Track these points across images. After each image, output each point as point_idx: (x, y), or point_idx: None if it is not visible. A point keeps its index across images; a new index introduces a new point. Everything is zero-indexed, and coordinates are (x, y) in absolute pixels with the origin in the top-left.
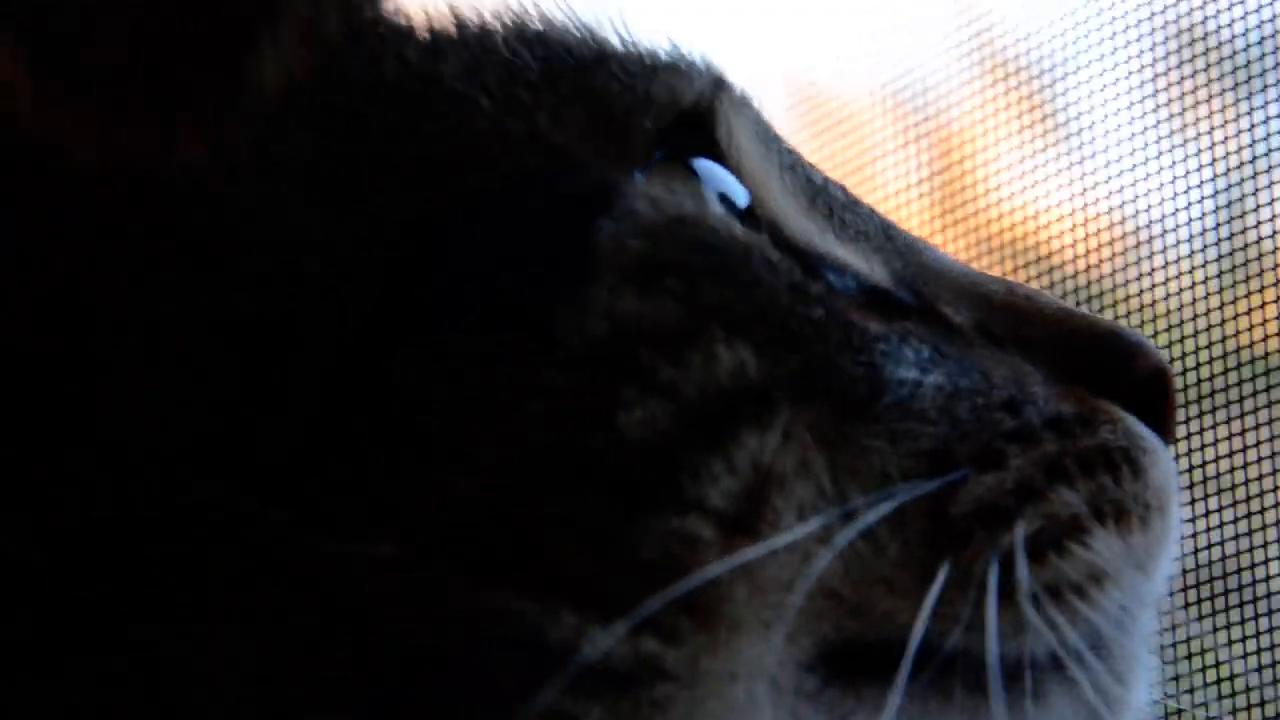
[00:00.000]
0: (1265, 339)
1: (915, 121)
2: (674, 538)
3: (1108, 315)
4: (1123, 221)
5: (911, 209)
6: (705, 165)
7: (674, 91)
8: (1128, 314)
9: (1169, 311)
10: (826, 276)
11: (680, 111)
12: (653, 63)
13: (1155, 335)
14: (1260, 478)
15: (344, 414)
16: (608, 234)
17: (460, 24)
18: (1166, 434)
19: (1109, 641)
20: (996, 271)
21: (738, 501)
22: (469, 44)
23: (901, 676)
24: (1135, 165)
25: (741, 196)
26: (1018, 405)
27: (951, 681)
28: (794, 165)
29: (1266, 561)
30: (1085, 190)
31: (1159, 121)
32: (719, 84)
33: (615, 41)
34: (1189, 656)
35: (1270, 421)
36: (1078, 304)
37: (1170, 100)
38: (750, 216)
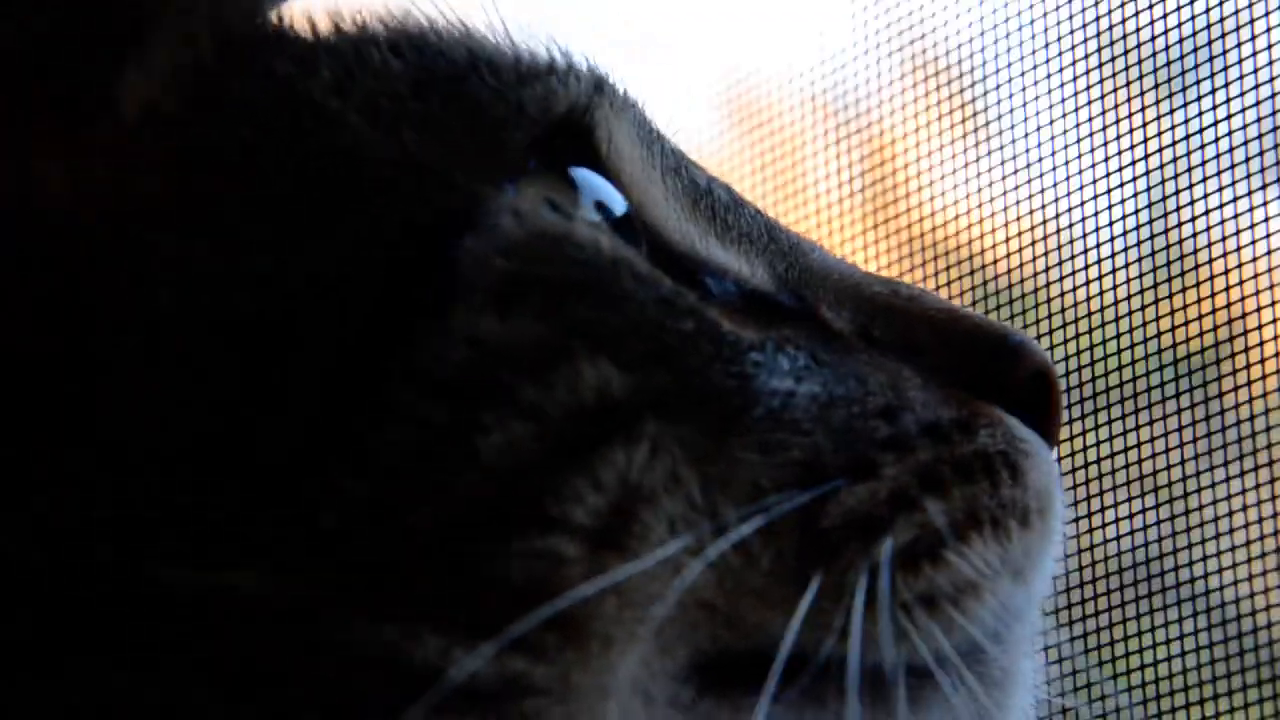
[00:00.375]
0: (1191, 337)
1: (844, 122)
2: (539, 557)
3: (1036, 313)
4: (1049, 221)
5: (841, 208)
6: (583, 174)
7: (548, 99)
8: (1055, 313)
9: (1096, 310)
10: (704, 284)
11: (556, 119)
12: (529, 68)
13: (1081, 333)
14: (1186, 474)
15: (213, 445)
16: (471, 253)
17: (339, 32)
18: (1050, 436)
19: (984, 650)
20: (926, 271)
21: (604, 518)
22: (343, 54)
23: (769, 686)
24: (1062, 166)
25: (619, 205)
26: (894, 412)
27: (826, 689)
28: (677, 168)
29: (1197, 556)
30: (1012, 190)
31: (1085, 122)
32: (598, 87)
33: (492, 46)
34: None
35: (1197, 418)
36: (1006, 304)
37: (1096, 101)
38: (628, 225)
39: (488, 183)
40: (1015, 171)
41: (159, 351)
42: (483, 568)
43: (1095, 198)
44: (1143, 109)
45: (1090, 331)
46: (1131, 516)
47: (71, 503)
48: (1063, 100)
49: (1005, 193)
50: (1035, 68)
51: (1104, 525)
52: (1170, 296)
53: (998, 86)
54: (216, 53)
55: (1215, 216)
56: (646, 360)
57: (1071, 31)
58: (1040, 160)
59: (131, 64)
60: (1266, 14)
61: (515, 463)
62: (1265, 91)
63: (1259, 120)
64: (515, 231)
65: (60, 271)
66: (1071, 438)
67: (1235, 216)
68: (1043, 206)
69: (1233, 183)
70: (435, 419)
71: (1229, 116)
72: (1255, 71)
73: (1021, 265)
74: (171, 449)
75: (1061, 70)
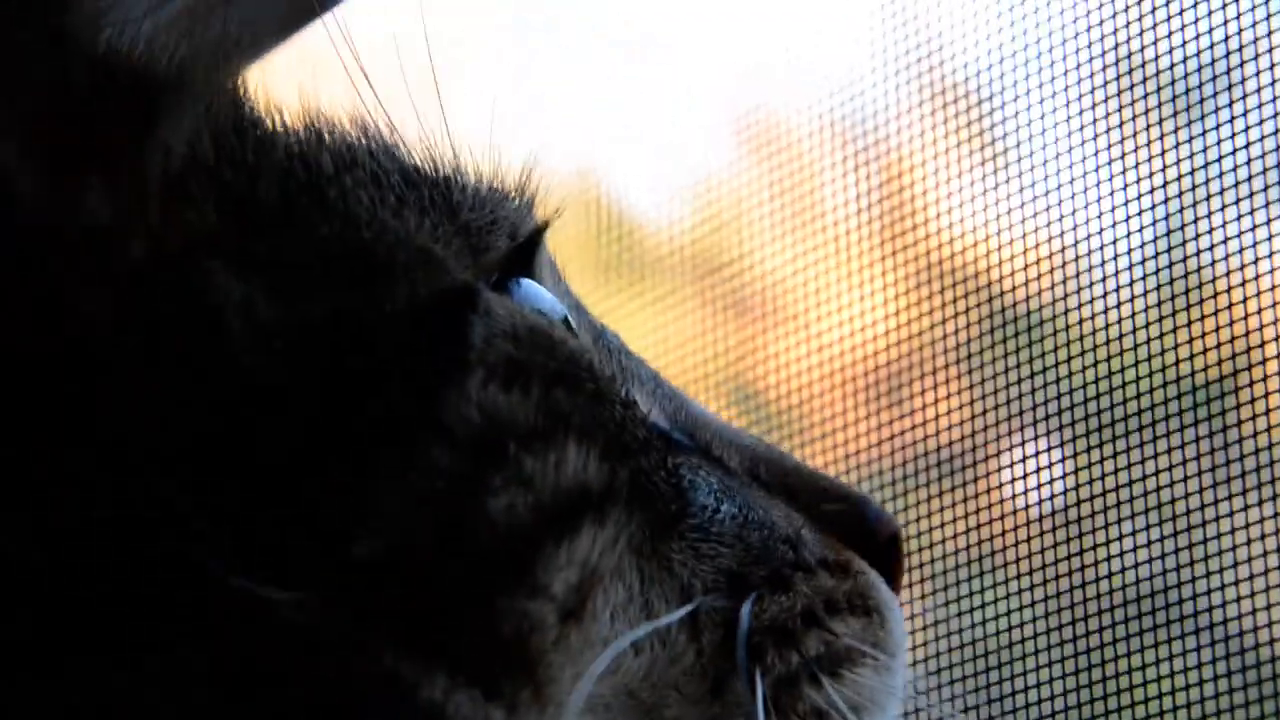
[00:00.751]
0: (1209, 365)
1: (859, 147)
2: (525, 617)
3: (1054, 340)
4: (1065, 247)
5: (859, 234)
6: (526, 284)
7: (519, 218)
8: (1071, 340)
9: (1115, 338)
10: None
11: (525, 235)
12: (501, 189)
13: (1098, 360)
14: (1199, 503)
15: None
16: (478, 331)
17: (320, 126)
18: (896, 593)
19: None
20: (944, 298)
21: (572, 593)
22: (336, 143)
23: None
24: (1077, 192)
25: (557, 314)
26: (796, 542)
27: None
28: (578, 305)
29: (1219, 586)
30: (1027, 217)
31: (1101, 149)
32: (546, 221)
33: (458, 164)
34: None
35: (1215, 446)
36: (1024, 330)
37: (1112, 126)
38: None
39: (476, 278)
40: (1035, 198)
41: (175, 357)
42: (482, 618)
43: (1112, 223)
44: (1162, 137)
45: (1110, 359)
46: (1150, 545)
47: (71, 503)
48: (1081, 128)
49: (1025, 219)
50: (1055, 95)
51: (1122, 554)
52: (1190, 324)
53: (1016, 114)
54: (231, 126)
55: (1233, 244)
56: (614, 455)
57: (1091, 59)
58: (1060, 187)
59: (172, 116)
60: None
61: (516, 524)
62: None
63: (1278, 148)
64: (510, 321)
65: (75, 281)
66: (1089, 465)
67: (1255, 245)
68: (1062, 234)
69: (1251, 211)
70: (456, 473)
71: (1248, 145)
72: (1275, 100)
73: (1042, 293)
74: (172, 450)
75: (1081, 98)
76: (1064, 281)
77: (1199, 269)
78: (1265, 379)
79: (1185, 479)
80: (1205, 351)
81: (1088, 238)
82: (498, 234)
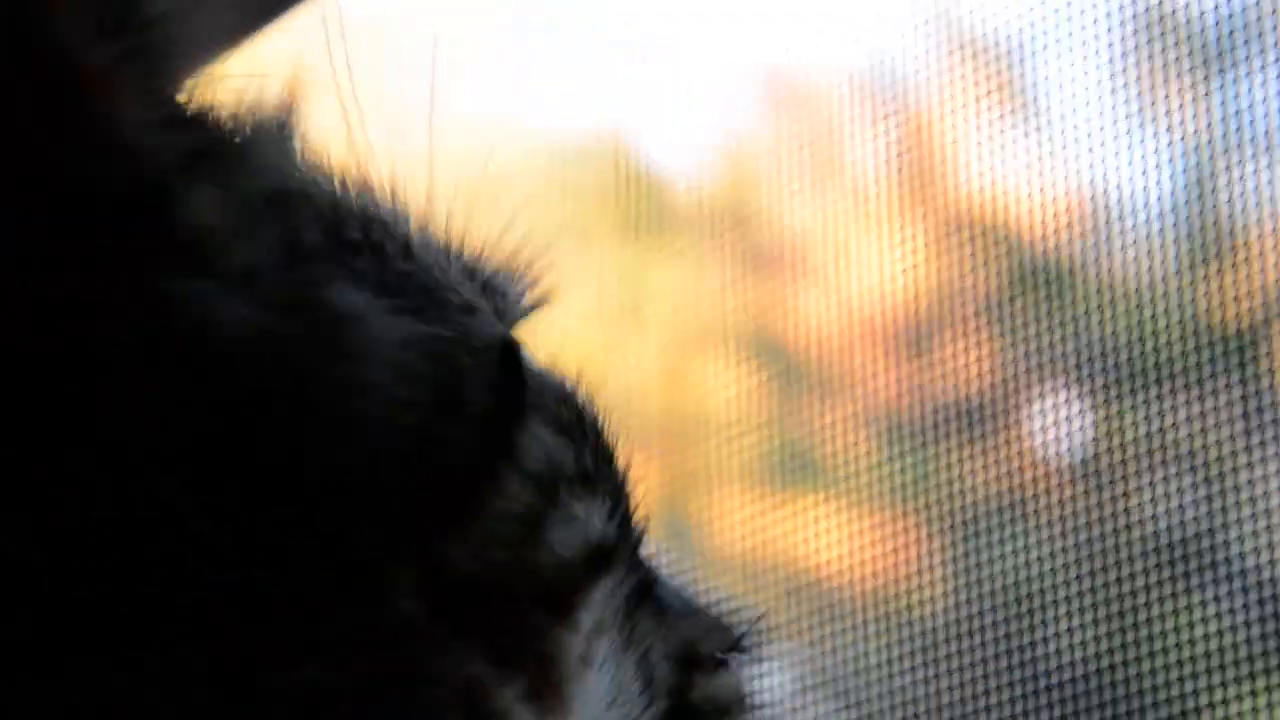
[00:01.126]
0: (1234, 316)
1: (883, 101)
2: (560, 646)
3: (1079, 292)
4: (1090, 200)
5: (879, 188)
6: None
7: (523, 288)
8: (1095, 291)
9: (1136, 291)
10: None
11: (529, 303)
12: (509, 262)
13: (1122, 312)
14: (1226, 455)
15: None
16: (531, 380)
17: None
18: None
19: None
20: (966, 251)
21: (592, 634)
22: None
23: None
24: (1102, 145)
25: None
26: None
27: None
28: None
29: (1247, 536)
30: (1052, 170)
31: (1126, 101)
32: (545, 295)
33: (469, 233)
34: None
35: (1236, 398)
36: (1049, 283)
37: (1138, 80)
38: None
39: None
40: (1056, 151)
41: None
42: (536, 639)
43: (1137, 177)
44: (1194, 87)
45: (1138, 311)
46: (1178, 496)
47: (72, 502)
48: (1105, 79)
49: (1051, 172)
50: (1082, 45)
51: (1149, 505)
52: (1218, 276)
53: (1039, 65)
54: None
55: (1262, 196)
56: (617, 515)
57: (1113, 7)
58: (1082, 139)
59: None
60: None
61: (564, 562)
62: None
63: None
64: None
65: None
66: (1116, 417)
67: None
68: (1090, 186)
69: None
70: (523, 498)
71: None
72: None
73: (1062, 245)
74: (173, 451)
75: (1104, 48)
76: (1091, 235)
77: (1228, 221)
78: None
79: (1213, 430)
80: (1234, 303)
81: (1115, 190)
82: (512, 299)
